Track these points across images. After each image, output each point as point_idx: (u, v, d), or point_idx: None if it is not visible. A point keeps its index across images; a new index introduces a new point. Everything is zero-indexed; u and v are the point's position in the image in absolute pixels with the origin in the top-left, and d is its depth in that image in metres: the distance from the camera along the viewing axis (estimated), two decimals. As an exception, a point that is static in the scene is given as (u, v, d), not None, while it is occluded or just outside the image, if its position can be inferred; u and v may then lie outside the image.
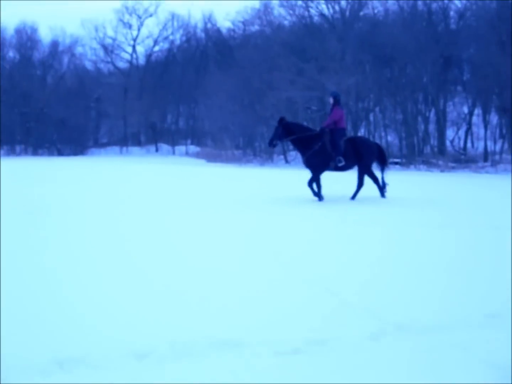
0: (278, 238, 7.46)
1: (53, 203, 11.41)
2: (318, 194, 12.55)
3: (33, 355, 3.45)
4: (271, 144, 13.17)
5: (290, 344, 3.71)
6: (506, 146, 35.07)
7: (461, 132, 38.88)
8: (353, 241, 7.27)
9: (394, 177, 24.39)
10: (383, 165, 13.44)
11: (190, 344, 3.69)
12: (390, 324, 4.07)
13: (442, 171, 30.80)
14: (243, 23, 55.83)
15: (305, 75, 36.99)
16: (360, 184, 13.03)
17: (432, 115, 38.85)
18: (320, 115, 39.73)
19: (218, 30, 62.58)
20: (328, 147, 12.66)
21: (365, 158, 13.02)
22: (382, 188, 13.14)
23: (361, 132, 40.68)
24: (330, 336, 3.85)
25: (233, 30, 59.64)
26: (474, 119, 39.46)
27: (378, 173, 13.32)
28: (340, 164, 12.72)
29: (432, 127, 38.56)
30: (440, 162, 32.97)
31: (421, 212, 10.23)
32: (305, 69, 37.28)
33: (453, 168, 31.67)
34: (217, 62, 53.06)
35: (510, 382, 3.25)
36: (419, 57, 35.38)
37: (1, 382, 3.13)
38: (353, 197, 12.79)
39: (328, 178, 13.31)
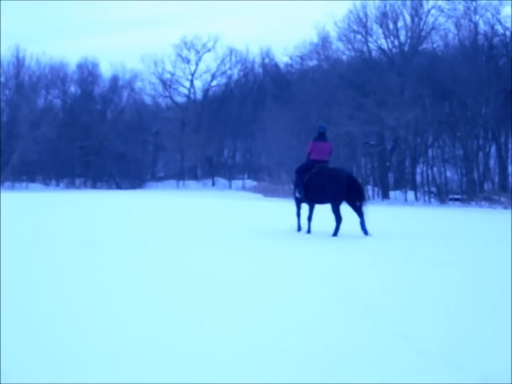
0: (344, 277, 7.08)
1: (110, 235, 11.27)
2: (298, 225, 13.00)
3: None
4: None
5: (367, 397, 3.37)
6: None
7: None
8: (422, 282, 6.85)
9: (454, 214, 23.92)
10: (359, 201, 12.28)
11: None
12: (474, 376, 3.68)
13: (505, 208, 29.93)
14: (301, 57, 56.09)
15: (364, 109, 36.72)
16: (336, 218, 12.05)
17: (493, 150, 38.09)
18: (379, 150, 39.39)
19: (276, 65, 63.04)
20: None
21: (329, 191, 12.15)
22: (337, 228, 11.99)
23: (420, 168, 40.05)
24: (410, 389, 3.50)
25: (291, 65, 60.02)
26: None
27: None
28: (297, 196, 12.83)
29: (493, 162, 37.78)
30: (503, 199, 32.11)
31: (492, 251, 9.72)
32: (363, 103, 37.02)
33: (517, 205, 30.76)
34: (275, 96, 53.14)
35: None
36: (480, 91, 34.80)
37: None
38: (334, 233, 11.97)
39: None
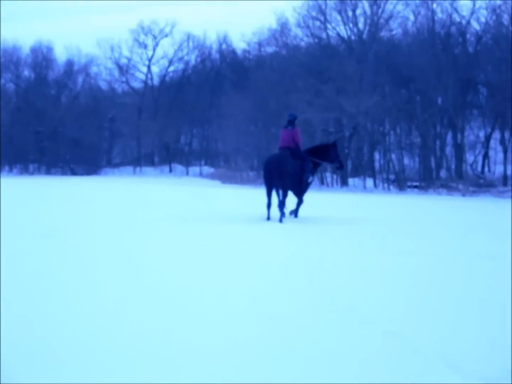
0: (321, 270, 6.81)
1: (70, 224, 10.89)
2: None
3: None
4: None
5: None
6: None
7: (479, 156, 38.42)
8: (401, 274, 6.66)
9: (415, 201, 23.92)
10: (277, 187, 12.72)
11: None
12: (475, 378, 3.50)
13: (463, 195, 30.17)
14: (259, 44, 55.66)
15: (323, 96, 36.55)
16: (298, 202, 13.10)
17: (449, 138, 38.33)
18: (338, 137, 39.29)
19: (233, 51, 62.46)
20: None
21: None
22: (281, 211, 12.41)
23: (378, 154, 40.15)
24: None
25: (248, 51, 59.49)
26: (491, 143, 39.09)
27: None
28: None
29: (449, 150, 38.02)
30: (460, 186, 32.37)
31: (463, 241, 9.62)
32: (323, 90, 36.84)
33: (474, 192, 31.03)
34: (233, 83, 52.75)
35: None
36: (438, 79, 34.98)
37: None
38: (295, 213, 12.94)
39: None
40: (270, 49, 51.72)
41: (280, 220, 12.01)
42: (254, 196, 18.97)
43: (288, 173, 12.40)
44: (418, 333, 4.33)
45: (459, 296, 5.60)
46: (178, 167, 58.83)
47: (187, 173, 56.77)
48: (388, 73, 36.55)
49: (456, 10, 38.58)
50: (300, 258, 7.61)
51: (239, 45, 61.16)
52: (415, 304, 5.22)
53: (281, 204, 12.27)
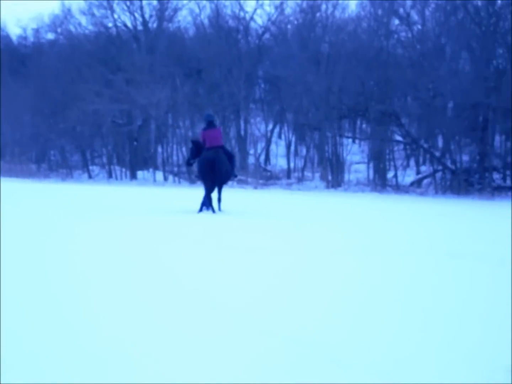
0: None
1: None
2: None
3: None
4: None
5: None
6: (302, 163, 36.08)
7: (263, 150, 39.45)
8: (242, 267, 6.32)
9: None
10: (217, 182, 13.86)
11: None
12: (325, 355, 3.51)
13: (255, 187, 30.92)
14: (37, 30, 53.02)
15: (113, 87, 35.55)
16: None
17: (234, 132, 38.97)
18: (128, 129, 38.47)
19: (7, 37, 58.83)
20: None
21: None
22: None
23: (166, 147, 39.84)
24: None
25: (25, 38, 56.44)
26: (273, 137, 40.56)
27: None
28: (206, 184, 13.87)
29: (234, 143, 38.64)
30: (250, 179, 33.10)
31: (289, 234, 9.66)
32: (112, 81, 35.82)
33: (264, 185, 31.94)
34: (9, 70, 49.42)
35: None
36: (225, 73, 35.50)
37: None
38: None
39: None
40: (51, 36, 49.50)
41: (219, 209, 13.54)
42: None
43: (227, 171, 13.54)
44: (268, 315, 4.34)
45: (308, 282, 5.66)
46: None
47: (-42, 166, 52.78)
48: (178, 65, 36.35)
49: (240, 5, 39.35)
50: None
51: (15, 31, 57.92)
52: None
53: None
